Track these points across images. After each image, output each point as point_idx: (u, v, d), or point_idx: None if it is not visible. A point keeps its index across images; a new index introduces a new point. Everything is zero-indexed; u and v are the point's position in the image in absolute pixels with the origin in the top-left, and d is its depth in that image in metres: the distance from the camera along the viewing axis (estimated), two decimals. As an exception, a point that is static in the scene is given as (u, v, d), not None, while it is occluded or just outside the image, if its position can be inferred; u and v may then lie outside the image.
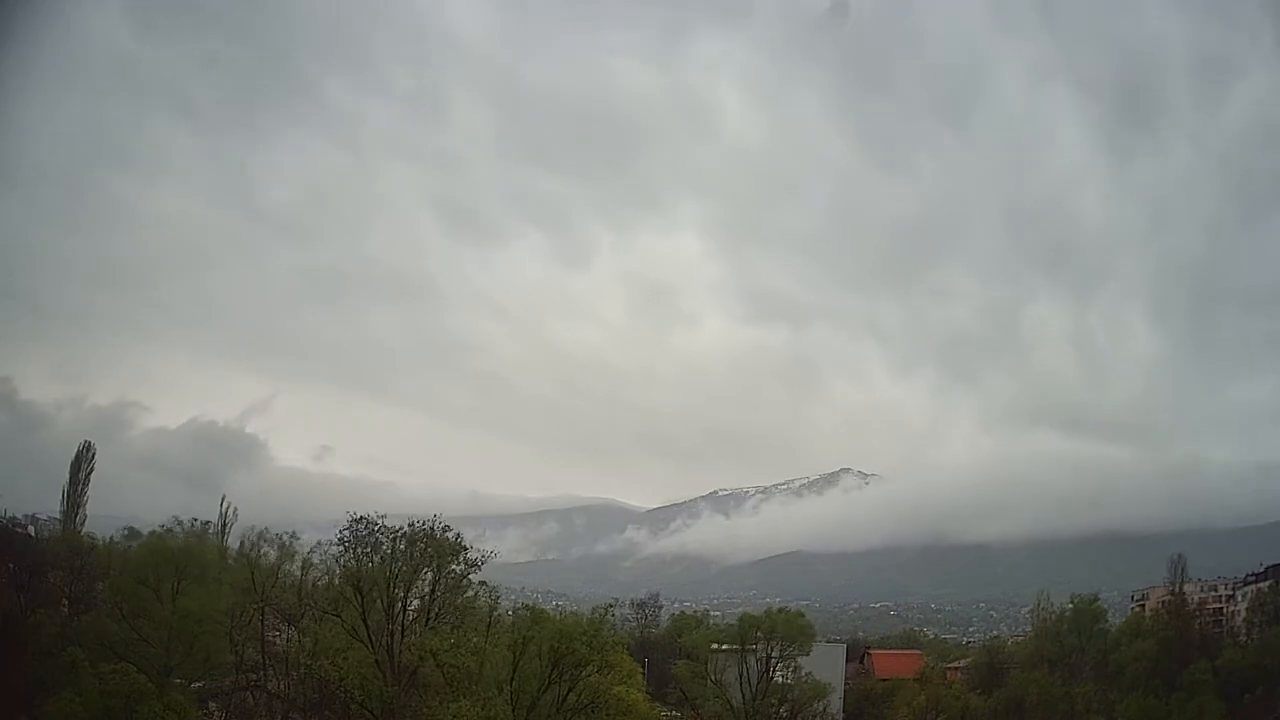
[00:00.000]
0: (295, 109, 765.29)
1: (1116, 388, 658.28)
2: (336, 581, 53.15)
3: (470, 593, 50.44)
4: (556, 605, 79.85)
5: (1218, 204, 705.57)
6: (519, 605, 63.41)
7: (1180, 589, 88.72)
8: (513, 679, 44.60)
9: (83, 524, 76.53)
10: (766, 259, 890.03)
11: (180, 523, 58.80)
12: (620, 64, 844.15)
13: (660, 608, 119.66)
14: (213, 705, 54.89)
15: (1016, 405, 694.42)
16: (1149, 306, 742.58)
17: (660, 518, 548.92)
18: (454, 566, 48.39)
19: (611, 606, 64.24)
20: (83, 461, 79.37)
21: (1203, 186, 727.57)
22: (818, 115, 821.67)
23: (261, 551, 61.46)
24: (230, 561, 61.30)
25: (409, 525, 47.33)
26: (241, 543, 63.62)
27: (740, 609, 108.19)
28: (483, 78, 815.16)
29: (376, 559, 47.01)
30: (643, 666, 65.83)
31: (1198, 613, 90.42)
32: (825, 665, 74.48)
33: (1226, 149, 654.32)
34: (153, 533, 58.21)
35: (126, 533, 65.61)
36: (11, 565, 63.11)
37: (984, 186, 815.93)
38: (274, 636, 59.74)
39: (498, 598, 56.21)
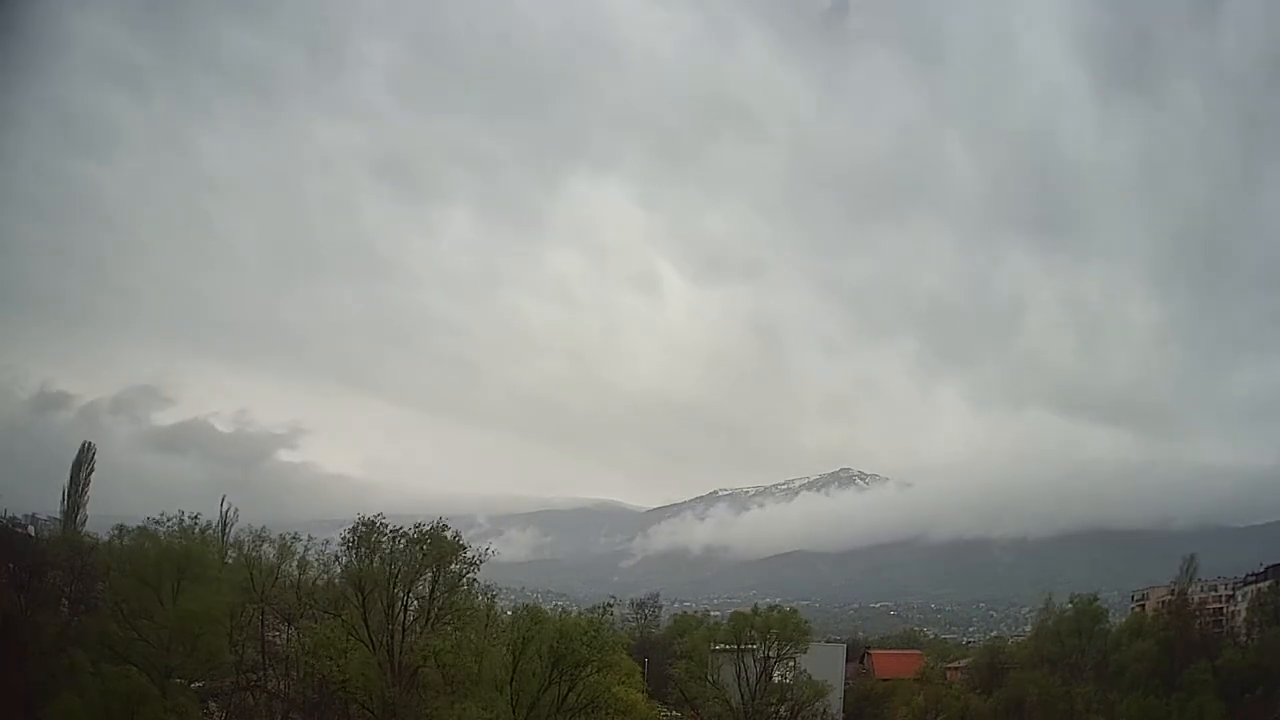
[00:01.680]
0: (217, 69, 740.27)
1: (1113, 366, 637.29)
2: (337, 581, 53.25)
3: (465, 587, 50.50)
4: (556, 605, 79.82)
5: (1218, 145, 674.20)
6: (519, 605, 63.47)
7: (1184, 589, 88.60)
8: (513, 679, 44.73)
9: (83, 524, 76.36)
10: (718, 209, 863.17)
11: (179, 521, 58.60)
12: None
13: (660, 608, 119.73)
14: (213, 705, 54.89)
15: (1007, 385, 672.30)
16: (1144, 271, 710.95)
17: (660, 518, 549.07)
18: (454, 566, 48.55)
19: (610, 606, 64.07)
20: (83, 461, 79.33)
21: (1201, 124, 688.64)
22: (759, 41, 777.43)
23: (261, 551, 61.39)
24: (229, 561, 61.20)
25: (414, 527, 47.51)
26: (241, 542, 63.50)
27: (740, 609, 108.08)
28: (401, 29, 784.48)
29: (378, 559, 47.15)
30: (642, 666, 65.76)
31: (1198, 613, 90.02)
32: (825, 665, 74.52)
33: (1225, 79, 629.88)
34: (141, 527, 57.68)
35: (117, 530, 64.80)
36: (11, 565, 62.90)
37: (958, 128, 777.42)
38: (274, 636, 59.74)
39: (494, 596, 56.39)
